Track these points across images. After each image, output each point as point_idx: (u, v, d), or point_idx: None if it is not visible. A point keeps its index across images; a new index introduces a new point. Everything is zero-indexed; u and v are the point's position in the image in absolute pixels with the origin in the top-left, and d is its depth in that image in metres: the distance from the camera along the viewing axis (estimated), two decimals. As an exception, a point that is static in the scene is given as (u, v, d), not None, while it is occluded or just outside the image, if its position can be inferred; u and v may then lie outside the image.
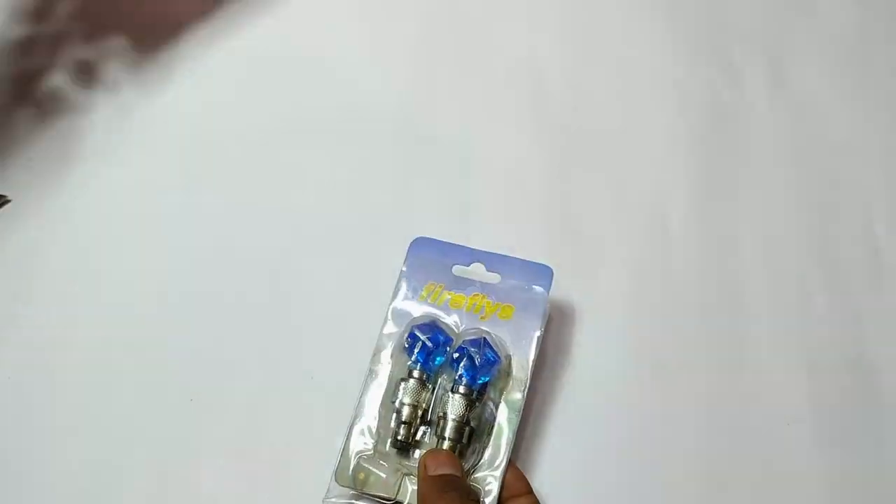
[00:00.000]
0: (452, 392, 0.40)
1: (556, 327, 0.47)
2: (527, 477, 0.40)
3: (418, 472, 0.38)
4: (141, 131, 0.56)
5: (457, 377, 0.40)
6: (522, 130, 0.55)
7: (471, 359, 0.40)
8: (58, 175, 0.54)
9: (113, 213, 0.52)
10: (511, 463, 0.40)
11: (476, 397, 0.40)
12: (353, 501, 0.40)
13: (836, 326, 0.47)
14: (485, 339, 0.41)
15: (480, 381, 0.40)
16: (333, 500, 0.40)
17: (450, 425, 0.39)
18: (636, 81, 0.58)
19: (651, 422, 0.44)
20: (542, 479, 0.43)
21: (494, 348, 0.41)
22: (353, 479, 0.40)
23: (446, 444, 0.39)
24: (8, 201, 0.52)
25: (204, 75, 0.59)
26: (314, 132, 0.56)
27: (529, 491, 0.39)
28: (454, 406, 0.40)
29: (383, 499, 0.39)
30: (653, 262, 0.50)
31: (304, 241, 0.50)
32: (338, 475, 0.40)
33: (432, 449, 0.39)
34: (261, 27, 0.61)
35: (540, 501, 0.39)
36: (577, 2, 0.62)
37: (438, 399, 0.41)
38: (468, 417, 0.39)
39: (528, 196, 0.53)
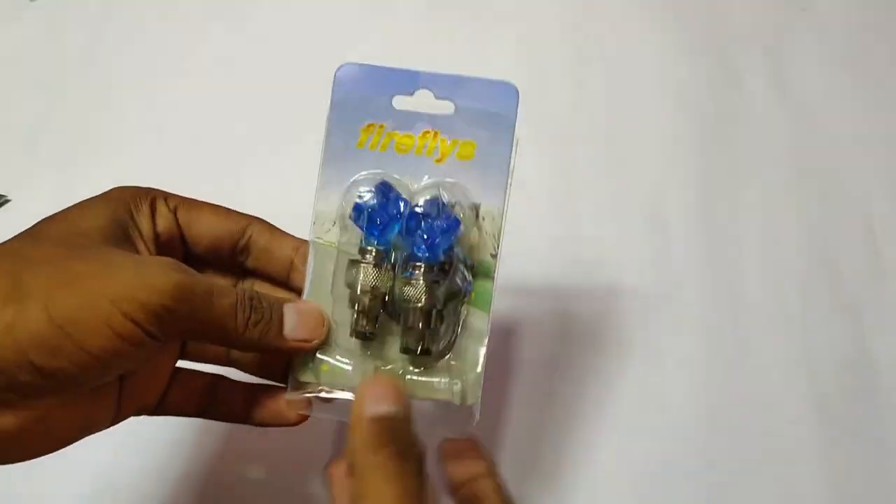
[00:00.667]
0: (410, 274, 0.33)
1: (556, 326, 0.47)
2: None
3: (353, 407, 0.30)
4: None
5: (412, 253, 0.33)
6: (521, 131, 0.55)
7: (427, 230, 0.33)
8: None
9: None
10: (471, 440, 0.33)
11: (438, 273, 0.33)
12: (321, 395, 0.33)
13: (836, 326, 0.47)
14: (440, 199, 0.34)
15: (441, 251, 0.33)
16: (295, 396, 0.34)
17: (412, 314, 0.33)
18: (636, 81, 0.58)
19: (651, 421, 0.44)
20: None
21: (453, 208, 0.34)
22: (316, 372, 0.34)
23: (412, 335, 0.33)
24: (8, 201, 0.52)
25: (203, 73, 0.59)
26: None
27: (491, 472, 0.32)
28: (414, 290, 0.33)
29: (354, 390, 0.32)
30: (653, 262, 0.50)
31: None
32: (296, 369, 0.34)
33: (373, 377, 0.33)
34: (262, 27, 0.61)
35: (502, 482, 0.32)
36: (577, 1, 0.62)
37: (398, 276, 0.34)
38: (433, 300, 0.33)
39: (528, 196, 0.52)
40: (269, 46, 0.61)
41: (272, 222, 0.36)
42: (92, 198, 0.32)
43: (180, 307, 0.28)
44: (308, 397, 0.34)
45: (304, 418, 0.35)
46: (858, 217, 0.51)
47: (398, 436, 0.29)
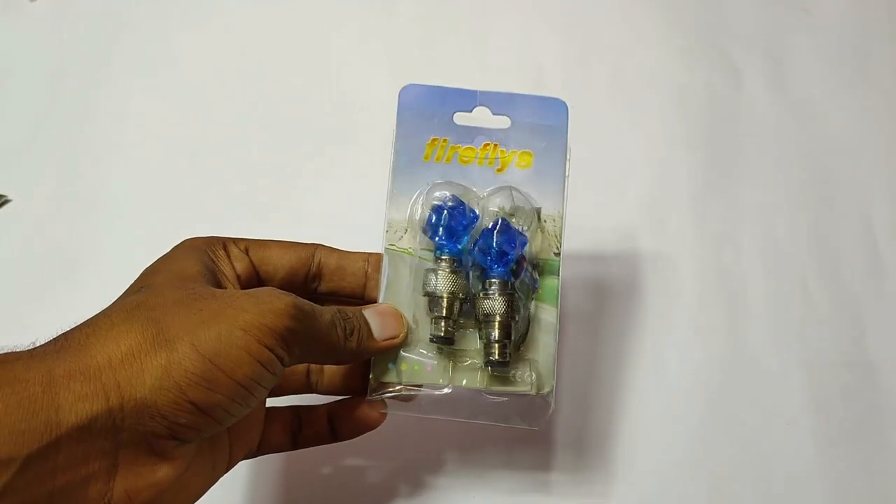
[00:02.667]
0: (487, 290, 0.36)
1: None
2: None
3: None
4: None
5: (488, 271, 0.36)
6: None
7: (499, 246, 0.36)
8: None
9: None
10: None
11: (511, 288, 0.36)
12: (405, 392, 0.36)
13: (836, 326, 0.47)
14: (503, 220, 0.36)
15: (511, 259, 0.36)
16: (377, 396, 0.36)
17: (494, 328, 0.35)
18: (636, 81, 0.58)
19: (650, 421, 0.44)
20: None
21: (518, 225, 0.37)
22: (398, 372, 0.36)
23: (497, 348, 0.35)
24: (8, 201, 0.52)
25: (203, 72, 0.59)
26: (309, 130, 0.56)
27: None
28: (493, 304, 0.36)
29: (434, 386, 0.36)
30: (652, 262, 0.50)
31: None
32: (376, 371, 0.36)
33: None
34: (263, 27, 0.61)
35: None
36: (577, 1, 0.62)
37: (477, 292, 0.37)
38: (512, 312, 0.36)
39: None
40: (268, 46, 0.61)
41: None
42: (171, 251, 0.34)
43: (299, 326, 0.30)
44: (384, 399, 0.36)
45: (384, 417, 0.37)
46: (858, 217, 0.51)
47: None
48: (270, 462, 0.43)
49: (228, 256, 0.35)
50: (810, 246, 0.50)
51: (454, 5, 0.62)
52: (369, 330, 0.35)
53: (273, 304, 0.30)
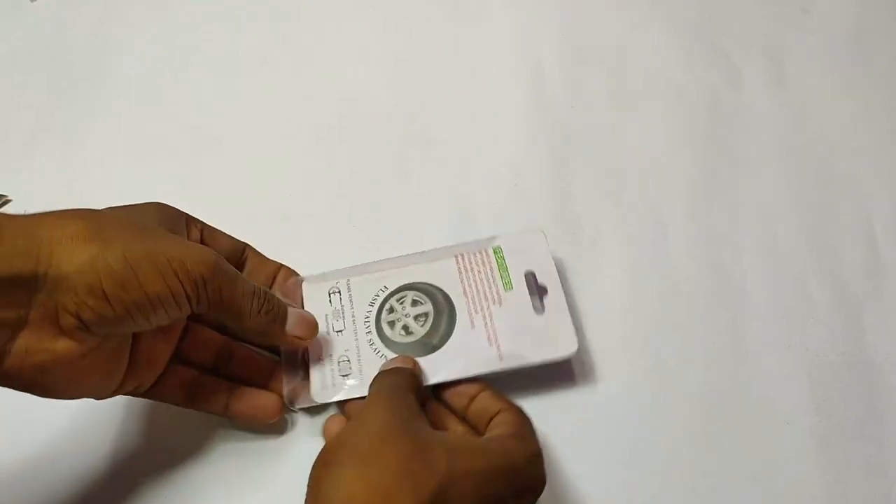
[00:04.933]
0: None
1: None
2: None
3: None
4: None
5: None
6: (521, 131, 0.55)
7: None
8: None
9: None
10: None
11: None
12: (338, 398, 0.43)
13: (836, 326, 0.47)
14: None
15: None
16: (294, 408, 0.43)
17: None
18: (636, 81, 0.58)
19: (650, 421, 0.44)
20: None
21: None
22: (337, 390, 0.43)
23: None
24: (8, 201, 0.52)
25: (201, 74, 0.59)
26: (312, 131, 0.56)
27: (485, 386, 0.41)
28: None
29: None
30: (652, 262, 0.50)
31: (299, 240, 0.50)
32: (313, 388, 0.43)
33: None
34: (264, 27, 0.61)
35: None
36: (576, 2, 0.62)
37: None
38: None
39: (527, 196, 0.53)
40: (268, 45, 0.61)
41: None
42: (137, 203, 0.40)
43: (213, 280, 0.35)
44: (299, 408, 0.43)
45: (280, 414, 0.42)
46: (858, 217, 0.51)
47: (398, 380, 0.38)
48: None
49: (188, 229, 0.41)
50: (810, 246, 0.50)
51: (454, 5, 0.62)
52: (284, 320, 0.40)
53: (200, 254, 0.35)
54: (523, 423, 0.38)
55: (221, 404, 0.41)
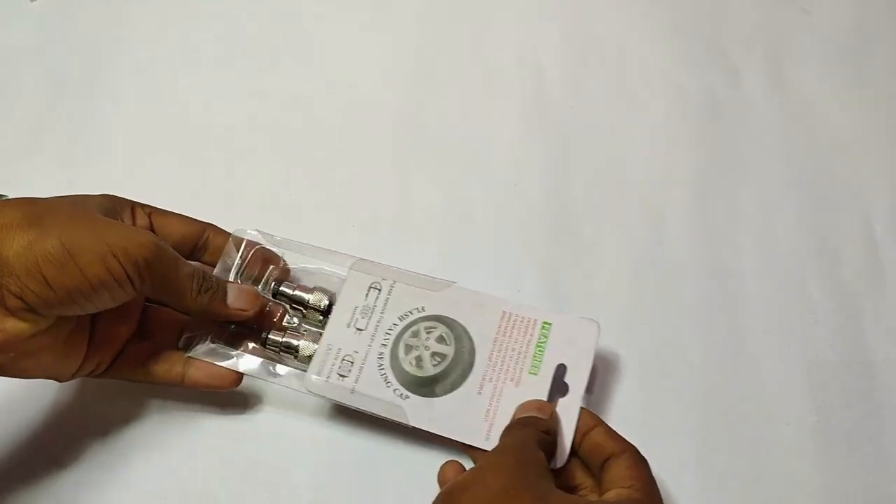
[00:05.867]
0: None
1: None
2: None
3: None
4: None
5: None
6: (521, 131, 0.55)
7: None
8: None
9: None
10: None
11: None
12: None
13: (836, 326, 0.47)
14: None
15: None
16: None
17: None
18: (636, 81, 0.58)
19: (650, 422, 0.44)
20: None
21: None
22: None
23: None
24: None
25: (201, 73, 0.59)
26: (314, 131, 0.56)
27: (598, 421, 0.39)
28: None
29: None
30: (652, 262, 0.50)
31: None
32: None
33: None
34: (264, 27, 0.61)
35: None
36: (576, 2, 0.62)
37: None
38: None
39: (527, 196, 0.53)
40: (268, 45, 0.61)
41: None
42: (83, 194, 0.41)
43: (154, 262, 0.37)
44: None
45: (238, 382, 0.43)
46: (858, 217, 0.51)
47: (530, 434, 0.37)
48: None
49: (133, 215, 0.42)
50: (810, 246, 0.50)
51: (454, 4, 0.62)
52: (224, 296, 0.41)
53: (139, 237, 0.37)
54: (648, 482, 0.36)
55: (179, 375, 0.42)
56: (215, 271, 0.44)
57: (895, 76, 0.57)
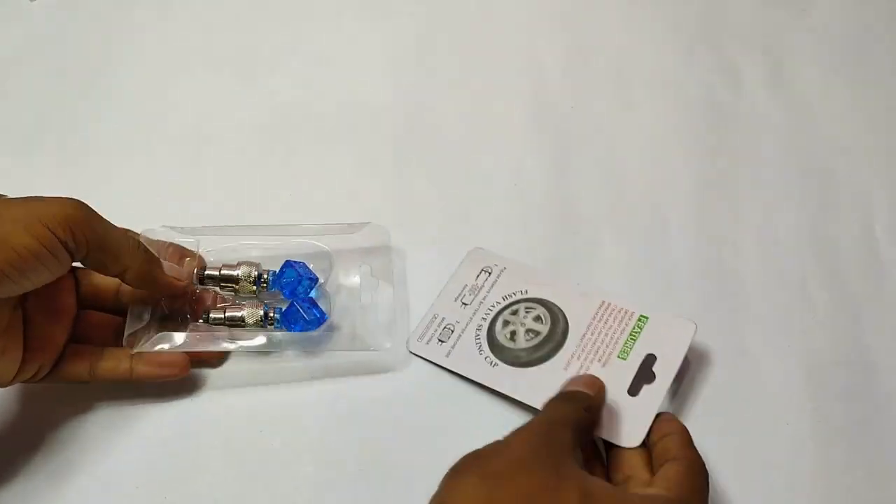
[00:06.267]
0: None
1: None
2: None
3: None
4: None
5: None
6: (522, 130, 0.55)
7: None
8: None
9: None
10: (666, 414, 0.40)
11: None
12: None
13: (836, 326, 0.47)
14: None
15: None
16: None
17: None
18: (635, 82, 0.58)
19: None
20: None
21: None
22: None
23: None
24: (8, 201, 0.52)
25: (201, 73, 0.59)
26: (314, 131, 0.56)
27: (677, 430, 0.39)
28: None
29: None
30: (652, 262, 0.50)
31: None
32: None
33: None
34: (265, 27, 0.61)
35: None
36: (576, 2, 0.62)
37: None
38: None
39: (527, 196, 0.53)
40: (268, 44, 0.61)
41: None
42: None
43: (84, 221, 0.36)
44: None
45: (187, 371, 0.43)
46: (858, 217, 0.51)
47: (566, 410, 0.38)
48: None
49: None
50: (810, 246, 0.50)
51: (455, 4, 0.62)
52: (160, 262, 0.42)
53: (65, 201, 0.37)
54: (692, 490, 0.35)
55: (126, 371, 0.42)
56: None
57: (895, 76, 0.57)
